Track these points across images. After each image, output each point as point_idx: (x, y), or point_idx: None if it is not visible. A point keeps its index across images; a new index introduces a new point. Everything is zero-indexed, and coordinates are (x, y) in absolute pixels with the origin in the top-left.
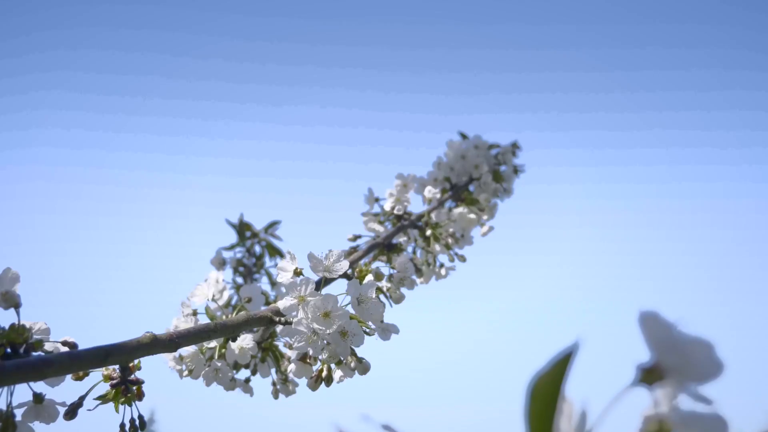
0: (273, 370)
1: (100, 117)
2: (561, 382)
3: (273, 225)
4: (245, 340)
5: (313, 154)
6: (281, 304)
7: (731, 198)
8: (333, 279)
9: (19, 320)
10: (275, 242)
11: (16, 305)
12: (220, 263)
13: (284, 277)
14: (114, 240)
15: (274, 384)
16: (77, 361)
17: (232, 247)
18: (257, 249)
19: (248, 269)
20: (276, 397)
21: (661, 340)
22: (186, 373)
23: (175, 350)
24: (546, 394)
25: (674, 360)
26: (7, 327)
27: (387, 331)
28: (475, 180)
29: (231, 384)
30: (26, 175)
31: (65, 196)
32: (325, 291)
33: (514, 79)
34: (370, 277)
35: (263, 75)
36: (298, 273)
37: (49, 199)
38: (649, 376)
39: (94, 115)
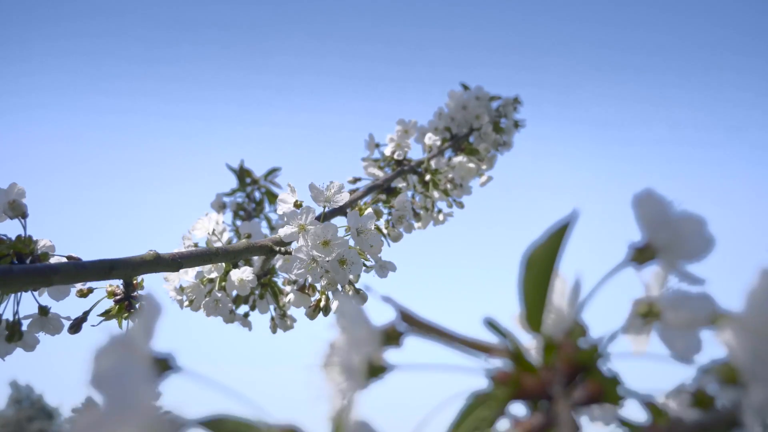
0: (272, 306)
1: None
2: (557, 253)
3: (273, 172)
4: (245, 273)
5: (314, 105)
6: (282, 232)
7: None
8: (333, 214)
9: (25, 232)
10: (275, 189)
11: (23, 214)
12: (220, 206)
13: (284, 207)
14: (122, 192)
15: (272, 319)
16: (82, 271)
17: (232, 192)
18: (257, 195)
19: (248, 213)
20: (274, 331)
21: (653, 218)
22: (186, 303)
23: (177, 269)
24: (541, 264)
25: (665, 237)
26: (14, 238)
27: (384, 268)
28: (476, 131)
29: (230, 316)
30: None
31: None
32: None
33: (519, 42)
34: (369, 211)
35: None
36: (298, 205)
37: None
38: (640, 255)
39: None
